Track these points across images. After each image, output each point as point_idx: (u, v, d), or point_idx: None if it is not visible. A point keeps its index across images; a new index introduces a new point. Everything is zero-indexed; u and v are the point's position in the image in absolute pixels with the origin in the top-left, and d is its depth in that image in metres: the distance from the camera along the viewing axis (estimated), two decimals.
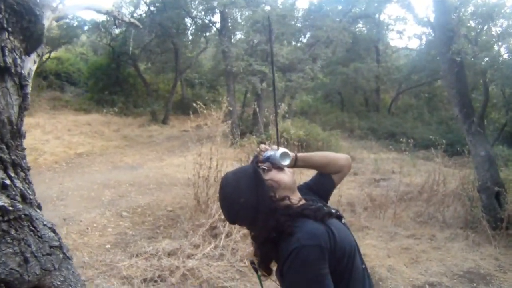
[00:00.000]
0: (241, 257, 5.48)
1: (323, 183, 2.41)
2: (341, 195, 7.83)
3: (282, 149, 2.13)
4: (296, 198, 2.06)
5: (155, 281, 4.76)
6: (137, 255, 5.26)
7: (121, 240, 5.83)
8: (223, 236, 5.78)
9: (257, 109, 11.01)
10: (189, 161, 6.65)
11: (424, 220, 7.68)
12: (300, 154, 2.33)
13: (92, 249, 5.48)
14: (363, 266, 2.05)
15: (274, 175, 2.06)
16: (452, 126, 16.19)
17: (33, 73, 2.44)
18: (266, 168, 2.08)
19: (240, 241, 5.76)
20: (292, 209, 1.97)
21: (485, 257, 6.28)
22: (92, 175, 8.74)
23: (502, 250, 6.52)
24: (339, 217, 2.12)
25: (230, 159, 10.10)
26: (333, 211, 2.11)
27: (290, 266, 1.84)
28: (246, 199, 1.95)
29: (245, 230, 5.98)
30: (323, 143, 13.08)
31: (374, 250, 6.27)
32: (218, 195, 2.14)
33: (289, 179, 2.10)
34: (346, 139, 15.20)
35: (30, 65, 2.07)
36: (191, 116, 6.98)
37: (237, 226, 6.00)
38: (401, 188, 9.22)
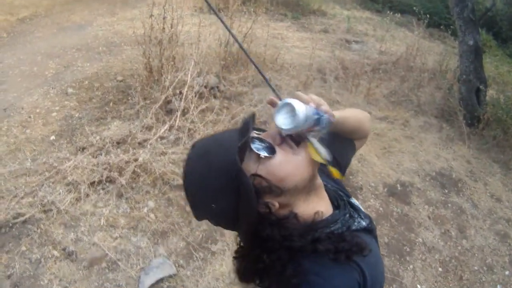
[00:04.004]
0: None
1: (344, 148, 1.67)
2: (312, 61, 7.25)
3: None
4: (308, 209, 1.25)
5: (104, 184, 4.26)
6: (83, 149, 4.67)
7: (67, 127, 5.18)
8: (178, 113, 5.16)
9: None
10: (144, 13, 5.74)
11: (398, 101, 7.24)
12: (337, 115, 1.38)
13: (35, 145, 4.83)
14: None
15: (276, 166, 1.18)
16: None
17: None
18: (265, 154, 1.18)
19: (197, 121, 5.19)
20: (296, 239, 1.18)
21: (457, 158, 6.10)
22: (35, 44, 7.66)
23: (475, 153, 6.33)
24: (371, 230, 1.40)
25: (190, 9, 9.29)
26: (364, 223, 1.37)
27: None
28: (217, 206, 1.17)
29: (203, 106, 5.44)
30: None
31: None
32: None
33: (307, 170, 1.23)
34: None
35: None
36: None
37: (194, 101, 5.41)
38: (375, 55, 8.72)
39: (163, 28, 5.68)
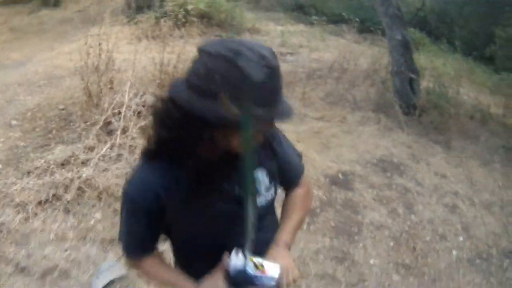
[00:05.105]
0: (139, 155, 5.11)
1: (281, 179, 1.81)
2: None
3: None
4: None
5: (50, 202, 4.40)
6: (28, 173, 4.79)
7: (13, 156, 5.29)
8: (118, 132, 5.30)
9: None
10: (82, 45, 5.90)
11: (334, 101, 7.51)
12: (289, 240, 1.79)
13: None
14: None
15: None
16: (364, 3, 15.85)
17: None
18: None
19: (137, 137, 5.33)
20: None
21: (397, 145, 6.31)
22: None
23: (415, 138, 6.58)
24: (238, 200, 1.54)
25: (127, 39, 9.46)
26: (228, 188, 1.57)
27: None
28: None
29: (142, 123, 5.55)
30: (227, 15, 12.38)
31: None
32: None
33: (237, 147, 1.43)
34: (251, 10, 14.23)
35: None
36: None
37: (133, 120, 5.52)
38: (309, 64, 9.00)
39: (100, 54, 5.87)
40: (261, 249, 1.65)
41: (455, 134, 6.94)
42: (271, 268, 1.51)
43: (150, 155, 1.51)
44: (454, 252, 4.53)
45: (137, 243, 1.68)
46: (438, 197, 5.37)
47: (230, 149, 1.43)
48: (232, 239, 1.58)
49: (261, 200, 1.65)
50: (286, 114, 1.38)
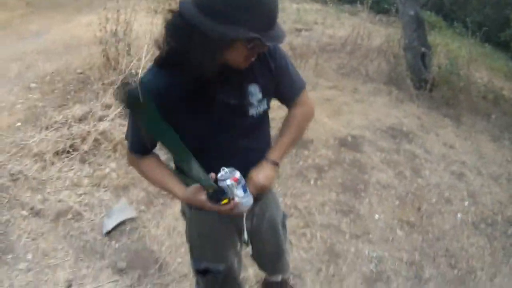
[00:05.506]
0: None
1: (279, 95, 2.03)
2: None
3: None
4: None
5: (68, 152, 4.58)
6: (47, 127, 4.96)
7: (31, 115, 5.42)
8: None
9: None
10: (100, 13, 6.06)
11: (346, 72, 7.60)
12: (277, 157, 1.98)
13: (2, 131, 5.06)
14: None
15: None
16: None
17: None
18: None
19: None
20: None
21: (408, 115, 6.35)
22: None
23: (425, 110, 6.61)
24: (233, 110, 1.79)
25: (143, 11, 9.54)
26: (232, 101, 1.77)
27: None
28: None
29: None
30: None
31: None
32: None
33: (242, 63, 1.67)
34: None
35: None
36: None
37: None
38: (324, 39, 9.08)
39: (118, 19, 6.03)
40: (249, 155, 1.92)
41: (466, 110, 6.94)
42: (242, 200, 1.73)
43: (160, 62, 1.71)
44: (459, 215, 4.57)
45: (138, 141, 1.87)
46: (446, 165, 5.39)
47: (227, 64, 1.64)
48: (223, 146, 1.84)
49: (252, 111, 1.84)
50: (279, 37, 1.58)
